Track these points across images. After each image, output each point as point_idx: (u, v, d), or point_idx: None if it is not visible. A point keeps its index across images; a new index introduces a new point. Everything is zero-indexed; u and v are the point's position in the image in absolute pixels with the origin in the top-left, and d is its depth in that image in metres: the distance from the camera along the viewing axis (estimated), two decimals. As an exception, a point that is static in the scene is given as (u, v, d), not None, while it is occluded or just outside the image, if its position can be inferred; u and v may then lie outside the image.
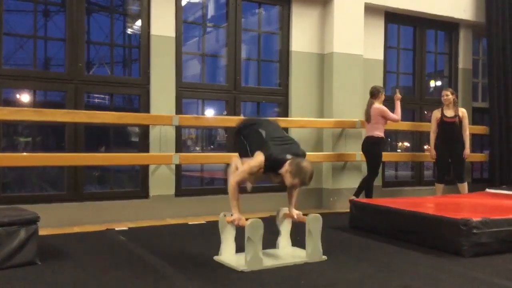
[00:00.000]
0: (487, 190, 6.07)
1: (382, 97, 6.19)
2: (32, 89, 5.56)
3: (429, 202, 5.36)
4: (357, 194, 6.09)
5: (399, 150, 10.07)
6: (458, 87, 8.01)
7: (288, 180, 3.35)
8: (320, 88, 6.79)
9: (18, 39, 8.49)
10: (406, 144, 10.40)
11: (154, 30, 5.78)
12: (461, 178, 6.47)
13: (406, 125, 7.50)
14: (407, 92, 8.22)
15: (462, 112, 6.51)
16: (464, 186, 6.45)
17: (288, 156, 3.36)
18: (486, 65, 8.09)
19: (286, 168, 3.33)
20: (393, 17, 7.42)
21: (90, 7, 7.57)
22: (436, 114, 6.55)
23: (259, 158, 3.38)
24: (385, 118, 6.06)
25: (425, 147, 7.97)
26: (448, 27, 8.00)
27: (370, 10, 6.98)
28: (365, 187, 6.13)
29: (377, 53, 7.24)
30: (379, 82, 7.12)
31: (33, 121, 5.29)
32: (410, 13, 7.37)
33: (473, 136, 7.84)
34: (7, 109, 4.89)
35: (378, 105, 6.09)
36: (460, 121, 6.43)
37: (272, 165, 3.38)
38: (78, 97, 5.45)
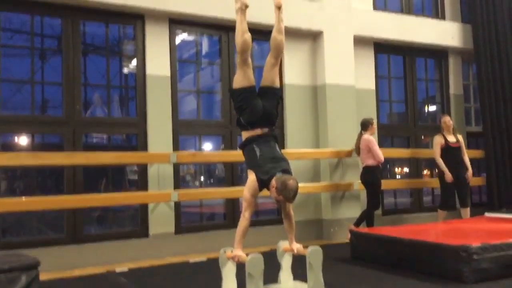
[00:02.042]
0: (486, 214, 6.08)
1: (373, 128, 6.30)
2: (30, 133, 5.62)
3: (429, 229, 5.37)
4: (357, 224, 6.10)
5: (398, 176, 10.10)
6: (451, 112, 8.11)
7: (273, 195, 3.49)
8: (314, 119, 6.87)
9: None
10: (406, 169, 10.44)
11: (150, 70, 5.89)
12: (466, 203, 6.52)
13: (404, 153, 7.58)
14: (401, 119, 8.32)
15: (461, 137, 6.70)
16: (467, 211, 6.50)
17: (277, 174, 3.50)
18: (477, 90, 8.22)
19: (272, 183, 3.47)
20: (382, 48, 7.58)
21: (86, 49, 7.71)
22: (439, 139, 6.56)
23: (251, 178, 3.57)
24: (370, 151, 6.13)
25: (424, 172, 8.04)
26: (437, 54, 8.17)
27: (359, 41, 7.14)
28: (366, 218, 6.14)
29: (369, 82, 7.37)
30: (372, 111, 7.23)
31: (32, 165, 5.32)
32: (399, 43, 7.55)
33: (470, 160, 7.90)
34: (5, 155, 4.94)
35: (366, 137, 6.21)
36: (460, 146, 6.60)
37: (263, 183, 3.55)
38: (76, 139, 5.50)
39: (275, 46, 3.83)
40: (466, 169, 6.55)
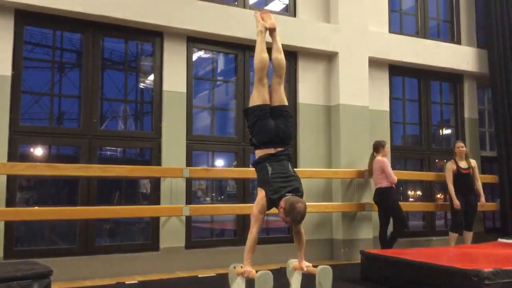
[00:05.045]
0: (500, 240, 6.01)
1: (385, 150, 6.33)
2: (47, 144, 5.73)
3: (440, 252, 5.32)
4: (388, 246, 6.08)
5: (411, 199, 10.04)
6: (465, 136, 8.08)
7: (281, 216, 3.53)
8: (327, 139, 6.90)
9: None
10: (419, 192, 10.37)
11: (166, 86, 5.99)
12: (471, 227, 6.68)
13: (417, 175, 7.55)
14: (415, 141, 8.30)
15: (474, 163, 6.84)
16: (470, 235, 6.68)
17: (287, 194, 3.53)
18: (492, 115, 8.18)
19: (281, 204, 3.51)
20: (397, 70, 7.62)
21: (104, 64, 7.85)
22: (452, 166, 6.72)
23: (260, 195, 3.62)
24: (384, 172, 6.14)
25: (438, 196, 8.00)
26: (452, 78, 8.17)
27: (374, 63, 7.19)
28: (395, 238, 6.18)
29: (383, 104, 7.38)
30: (386, 132, 7.24)
31: (48, 175, 5.41)
32: (414, 65, 7.58)
33: (483, 185, 7.83)
34: (23, 165, 5.03)
35: (380, 158, 6.22)
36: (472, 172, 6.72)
37: (272, 202, 3.59)
38: (92, 151, 5.60)
39: (277, 65, 3.96)
40: (478, 195, 6.73)
